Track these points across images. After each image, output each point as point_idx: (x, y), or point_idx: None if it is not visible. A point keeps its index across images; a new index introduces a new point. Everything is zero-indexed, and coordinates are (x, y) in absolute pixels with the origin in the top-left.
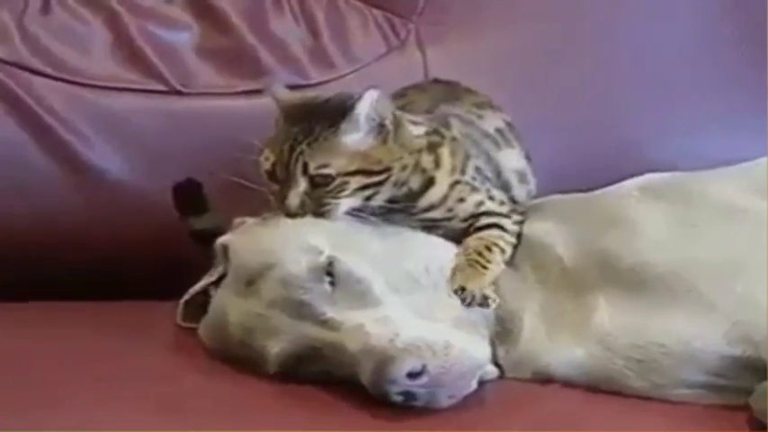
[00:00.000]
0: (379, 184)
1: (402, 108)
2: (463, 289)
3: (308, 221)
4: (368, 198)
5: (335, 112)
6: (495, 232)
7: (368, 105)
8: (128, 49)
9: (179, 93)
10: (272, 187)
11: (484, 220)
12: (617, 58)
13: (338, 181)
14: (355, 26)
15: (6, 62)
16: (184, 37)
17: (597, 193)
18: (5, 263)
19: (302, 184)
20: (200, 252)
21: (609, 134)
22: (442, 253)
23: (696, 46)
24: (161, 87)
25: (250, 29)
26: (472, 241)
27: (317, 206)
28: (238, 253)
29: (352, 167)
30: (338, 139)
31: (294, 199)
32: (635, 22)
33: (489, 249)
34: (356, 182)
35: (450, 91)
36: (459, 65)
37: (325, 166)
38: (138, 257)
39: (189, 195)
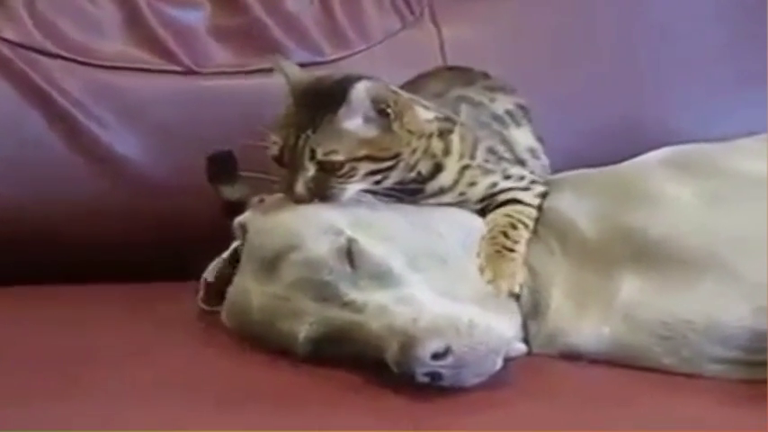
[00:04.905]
0: (389, 169)
1: (415, 92)
2: (494, 282)
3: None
4: (376, 182)
5: (337, 98)
6: (517, 207)
7: (361, 94)
8: (140, 30)
9: (193, 72)
10: (280, 172)
11: (501, 197)
12: (635, 36)
13: (347, 167)
14: (369, 2)
15: (19, 45)
16: (197, 16)
17: (620, 166)
18: (19, 245)
19: (310, 170)
20: (220, 229)
21: (627, 111)
22: (468, 227)
23: (715, 20)
24: (175, 67)
25: (263, 6)
26: (498, 217)
27: (324, 191)
28: (258, 234)
29: (360, 153)
30: (340, 126)
31: (301, 184)
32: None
33: (515, 227)
34: (365, 167)
35: (464, 76)
36: (474, 41)
37: (333, 152)
38: (152, 238)
39: (222, 165)
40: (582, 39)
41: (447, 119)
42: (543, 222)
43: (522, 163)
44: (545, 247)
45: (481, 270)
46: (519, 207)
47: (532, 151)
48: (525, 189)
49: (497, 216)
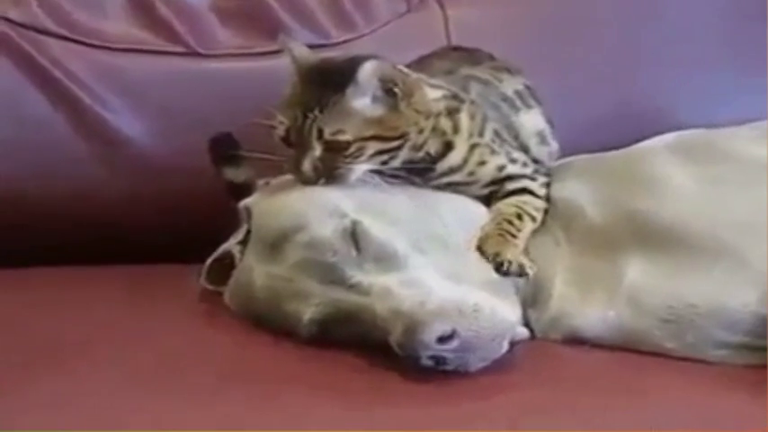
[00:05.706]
0: (396, 149)
1: (421, 72)
2: (497, 255)
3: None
4: (384, 162)
5: (344, 78)
6: (525, 197)
7: (369, 73)
8: (145, 11)
9: (198, 54)
10: (287, 153)
11: (511, 185)
12: (636, 24)
13: (354, 147)
14: None
15: (23, 25)
16: None
17: (624, 151)
18: (21, 227)
19: (317, 150)
20: (224, 211)
21: (627, 98)
22: (472, 214)
23: (715, 8)
24: (180, 49)
25: None
26: (504, 206)
27: (331, 171)
28: (263, 216)
29: (368, 133)
30: (348, 105)
31: (308, 164)
32: None
33: (520, 218)
34: (372, 147)
35: (470, 56)
36: (480, 24)
37: (340, 132)
38: (156, 220)
39: (225, 148)
40: (583, 24)
41: (455, 96)
42: (549, 212)
43: (525, 150)
44: (550, 238)
45: (481, 244)
46: (528, 198)
47: (540, 135)
48: (532, 178)
49: (504, 205)
